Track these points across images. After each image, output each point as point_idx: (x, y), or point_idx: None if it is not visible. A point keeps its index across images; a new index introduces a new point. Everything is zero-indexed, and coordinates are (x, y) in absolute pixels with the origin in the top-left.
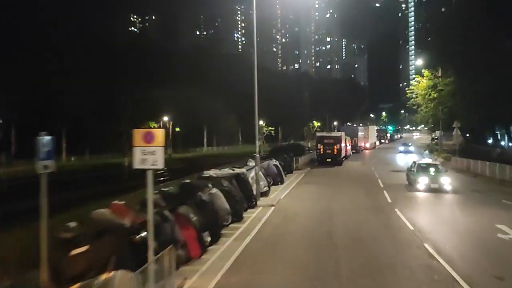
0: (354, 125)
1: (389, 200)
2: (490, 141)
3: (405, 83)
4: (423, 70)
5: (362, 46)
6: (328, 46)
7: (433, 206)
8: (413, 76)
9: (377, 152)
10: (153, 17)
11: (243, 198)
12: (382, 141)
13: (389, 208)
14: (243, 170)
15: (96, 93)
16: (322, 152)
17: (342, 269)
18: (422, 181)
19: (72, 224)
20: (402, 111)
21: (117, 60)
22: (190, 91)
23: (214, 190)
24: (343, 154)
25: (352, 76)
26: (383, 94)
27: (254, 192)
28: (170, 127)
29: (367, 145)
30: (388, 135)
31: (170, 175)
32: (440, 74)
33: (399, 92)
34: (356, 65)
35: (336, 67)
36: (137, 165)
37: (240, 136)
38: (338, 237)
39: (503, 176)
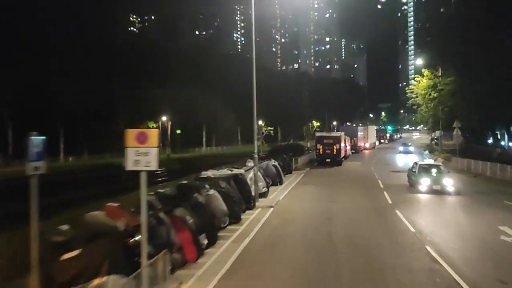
0: (354, 125)
1: (390, 201)
2: (490, 141)
3: (405, 83)
4: (423, 70)
5: (362, 46)
6: (328, 46)
7: (434, 208)
8: (413, 76)
9: (377, 152)
10: (152, 17)
11: (241, 199)
12: (382, 141)
13: (390, 210)
14: (242, 170)
15: (94, 93)
16: (321, 152)
17: (342, 272)
18: (424, 183)
19: (64, 227)
20: (402, 111)
21: (115, 60)
22: (189, 91)
23: (212, 191)
24: (342, 154)
25: (352, 76)
26: (383, 94)
27: (253, 193)
28: (169, 126)
29: (367, 145)
30: (388, 135)
31: (169, 176)
32: (440, 74)
33: (398, 92)
34: (355, 65)
35: (336, 67)
36: (129, 166)
37: (239, 136)
38: (338, 239)
39: (504, 177)
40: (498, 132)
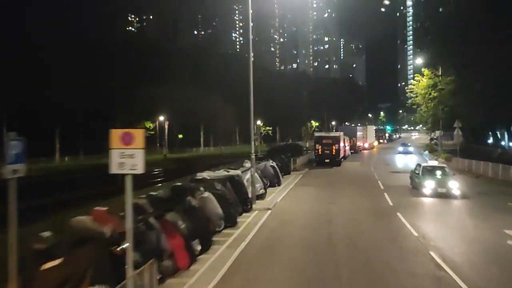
0: (352, 125)
1: (391, 203)
2: (490, 141)
3: (403, 83)
4: (423, 69)
5: (360, 46)
6: (326, 46)
7: (437, 211)
8: (412, 76)
9: (376, 153)
10: (151, 17)
11: (238, 201)
12: (381, 141)
13: (391, 212)
14: (238, 171)
15: (91, 93)
16: (320, 153)
17: (343, 277)
18: (428, 185)
19: (46, 234)
20: (401, 111)
21: (114, 60)
22: (187, 91)
23: (206, 194)
24: (341, 155)
25: (350, 76)
26: (381, 94)
27: (250, 195)
28: (166, 126)
29: (366, 145)
30: (387, 135)
31: (165, 177)
32: (440, 73)
33: (397, 92)
34: (354, 65)
35: (334, 67)
36: (114, 169)
37: (237, 136)
38: (337, 243)
39: (506, 177)
40: (498, 132)
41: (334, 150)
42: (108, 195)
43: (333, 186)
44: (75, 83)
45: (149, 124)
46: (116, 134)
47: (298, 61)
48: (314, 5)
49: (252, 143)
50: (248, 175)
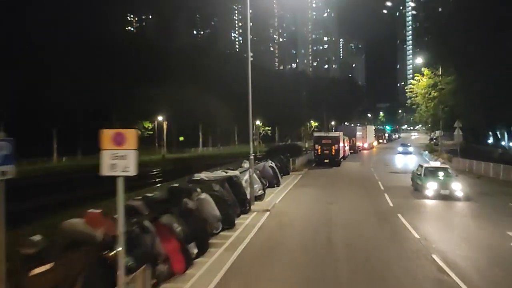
0: (352, 125)
1: (391, 204)
2: (490, 141)
3: (403, 83)
4: (423, 69)
5: (360, 46)
6: (326, 46)
7: (438, 212)
8: (411, 75)
9: (376, 153)
10: (150, 17)
11: (236, 203)
12: (380, 141)
13: (392, 214)
14: (236, 172)
15: (89, 93)
16: (320, 153)
17: (343, 281)
18: (431, 187)
19: (36, 237)
20: (400, 111)
21: (114, 60)
22: (186, 90)
23: (203, 195)
24: (341, 155)
25: (350, 75)
26: (381, 94)
27: (248, 196)
28: (165, 126)
29: (365, 145)
30: (386, 135)
31: (164, 177)
32: (440, 73)
33: (396, 92)
34: (353, 65)
35: (334, 66)
36: (105, 171)
37: (236, 136)
38: (337, 244)
39: (508, 178)
40: (498, 132)
41: (333, 150)
42: (104, 196)
43: (333, 186)
44: (74, 83)
45: (148, 124)
46: (107, 135)
47: (297, 60)
48: (314, 5)
49: (251, 143)
50: (246, 176)
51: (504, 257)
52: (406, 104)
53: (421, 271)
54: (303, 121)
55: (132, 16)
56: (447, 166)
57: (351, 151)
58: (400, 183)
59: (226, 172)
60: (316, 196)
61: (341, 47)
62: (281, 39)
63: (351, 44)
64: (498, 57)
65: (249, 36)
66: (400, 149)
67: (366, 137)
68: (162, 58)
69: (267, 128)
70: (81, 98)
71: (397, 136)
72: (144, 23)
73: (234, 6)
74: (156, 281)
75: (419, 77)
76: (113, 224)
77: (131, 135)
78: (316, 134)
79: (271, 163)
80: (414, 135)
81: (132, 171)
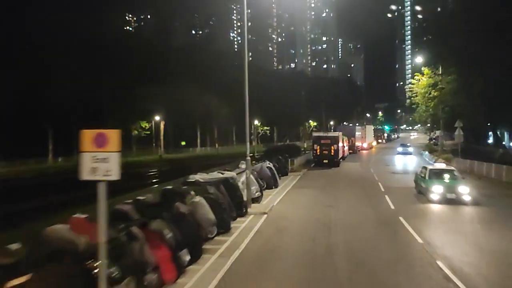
0: (351, 125)
1: (392, 207)
2: (490, 141)
3: (402, 83)
4: (423, 68)
5: (359, 46)
6: (324, 46)
7: (442, 215)
8: (410, 75)
9: (375, 153)
10: (149, 17)
11: (232, 205)
12: (380, 141)
13: (393, 216)
14: (233, 173)
15: (87, 93)
16: (318, 153)
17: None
18: (436, 190)
19: (15, 245)
20: (399, 111)
21: (108, 59)
22: (183, 90)
23: (198, 198)
24: (340, 155)
25: (349, 75)
26: (380, 94)
27: (245, 198)
28: (162, 126)
29: (365, 145)
30: (385, 135)
31: (161, 177)
32: (440, 72)
33: (395, 92)
34: (352, 65)
35: (333, 66)
36: (85, 175)
37: (234, 136)
38: (337, 251)
39: (510, 179)
40: (498, 132)
41: (332, 151)
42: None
43: (332, 188)
44: (73, 83)
45: (145, 124)
46: (88, 135)
47: (296, 60)
48: (312, 5)
49: (247, 143)
50: (243, 177)
51: None
52: (406, 104)
53: (426, 279)
54: (301, 121)
55: (130, 16)
56: (452, 168)
57: (350, 151)
58: (400, 184)
59: (223, 173)
60: (315, 197)
61: (340, 47)
62: (279, 39)
63: (350, 44)
64: (499, 58)
65: (246, 35)
66: (400, 149)
67: (365, 137)
68: (160, 57)
69: (265, 128)
70: (80, 98)
71: (396, 136)
72: (142, 23)
73: (232, 6)
74: None
75: (419, 77)
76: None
77: (113, 135)
78: (315, 134)
79: (269, 163)
80: (413, 135)
81: (114, 175)
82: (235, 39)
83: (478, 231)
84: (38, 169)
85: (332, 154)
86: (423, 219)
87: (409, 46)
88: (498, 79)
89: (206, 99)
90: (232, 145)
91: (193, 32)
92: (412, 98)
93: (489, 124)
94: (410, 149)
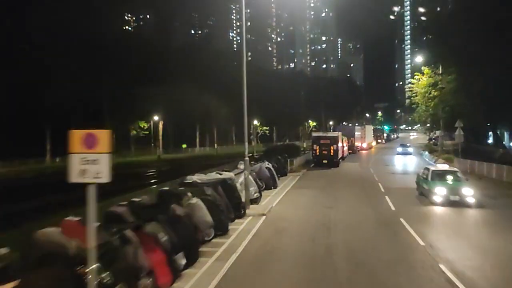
0: (350, 124)
1: (393, 208)
2: (490, 141)
3: (401, 83)
4: (423, 68)
5: (358, 46)
6: (324, 45)
7: (444, 216)
8: (410, 75)
9: (374, 153)
10: (148, 16)
11: (230, 207)
12: (379, 141)
13: (394, 218)
14: (231, 174)
15: (85, 92)
16: (318, 153)
17: None
18: (439, 192)
19: (3, 250)
20: (398, 111)
21: (109, 59)
22: (182, 90)
23: (194, 200)
24: (340, 155)
25: (348, 75)
26: (379, 94)
27: (243, 199)
28: (161, 126)
29: (364, 145)
30: (385, 135)
31: (159, 178)
32: (441, 71)
33: (395, 92)
34: (352, 65)
35: (332, 66)
36: (74, 177)
37: (233, 136)
38: (337, 254)
39: (511, 179)
40: (498, 132)
41: (332, 151)
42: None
43: (332, 188)
44: (73, 83)
45: (143, 124)
46: (77, 136)
47: (295, 60)
48: (312, 5)
49: (246, 143)
50: (242, 178)
51: None
52: (405, 104)
53: (427, 282)
54: (301, 120)
55: (129, 15)
56: (456, 169)
57: (350, 151)
58: (401, 184)
59: (221, 174)
60: (315, 198)
61: (339, 47)
62: (279, 39)
63: (349, 44)
64: (498, 57)
65: (244, 34)
66: (400, 149)
67: (364, 137)
68: (159, 57)
69: (265, 127)
70: (80, 98)
71: (395, 136)
72: (142, 23)
73: (232, 6)
74: None
75: (419, 76)
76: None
77: (103, 136)
78: (314, 134)
79: (268, 164)
80: (413, 135)
81: (105, 177)
82: (235, 39)
83: (482, 233)
84: (38, 169)
85: (332, 154)
86: (425, 220)
87: (409, 46)
88: (498, 78)
89: (205, 99)
90: (231, 145)
91: (193, 32)
92: (412, 98)
93: (489, 124)
94: (410, 150)
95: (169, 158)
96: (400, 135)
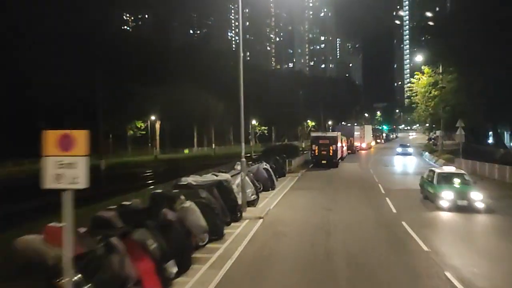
0: (349, 124)
1: (394, 210)
2: (490, 141)
3: (400, 82)
4: (423, 67)
5: (357, 45)
6: (323, 45)
7: (449, 220)
8: (408, 75)
9: (374, 153)
10: (146, 16)
11: (226, 210)
12: (378, 141)
13: (395, 221)
14: (227, 176)
15: (79, 91)
16: (317, 153)
17: None
18: (446, 197)
19: None
20: (397, 111)
21: (108, 59)
22: (181, 90)
23: (188, 204)
24: (339, 155)
25: (347, 75)
26: (378, 94)
27: (239, 202)
28: (158, 126)
29: (363, 145)
30: (384, 135)
31: (156, 179)
32: (441, 71)
33: (394, 92)
34: (350, 64)
35: (331, 66)
36: (48, 183)
37: (231, 136)
38: (337, 260)
39: None
40: (499, 131)
41: (331, 151)
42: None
43: (331, 189)
44: (72, 83)
45: (140, 124)
46: (51, 137)
47: (294, 60)
48: (310, 4)
49: (243, 144)
50: (238, 179)
51: None
52: (405, 104)
53: None
54: (300, 120)
55: (128, 15)
56: (463, 171)
57: (349, 151)
58: (401, 185)
59: (217, 175)
60: (314, 200)
61: (338, 47)
62: (277, 38)
63: (348, 44)
64: (499, 57)
65: (241, 34)
66: (399, 150)
67: (364, 137)
68: (158, 57)
69: (263, 127)
70: (68, 97)
71: (394, 136)
72: (140, 23)
73: (230, 6)
74: None
75: (419, 75)
76: (78, 240)
77: (81, 137)
78: (313, 134)
79: (266, 164)
80: (412, 135)
81: (82, 183)
82: (233, 39)
83: (490, 239)
84: (37, 169)
85: (331, 154)
86: (427, 224)
87: (408, 46)
88: (498, 78)
89: (204, 99)
90: (229, 145)
91: (191, 32)
92: (412, 98)
93: (489, 123)
94: (410, 150)
95: (166, 158)
96: (399, 135)
